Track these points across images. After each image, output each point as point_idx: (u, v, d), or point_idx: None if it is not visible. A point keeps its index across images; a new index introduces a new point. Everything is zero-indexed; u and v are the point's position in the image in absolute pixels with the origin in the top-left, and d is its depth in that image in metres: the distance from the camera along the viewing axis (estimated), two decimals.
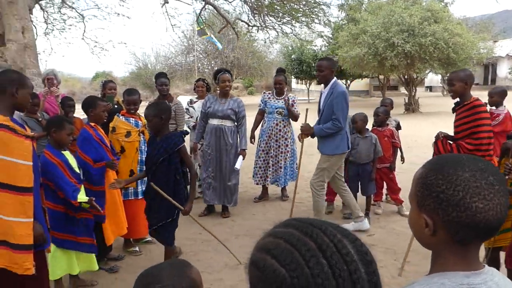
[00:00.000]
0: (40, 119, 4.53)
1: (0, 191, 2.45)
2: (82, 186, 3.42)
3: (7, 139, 2.46)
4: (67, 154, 3.39)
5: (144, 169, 3.72)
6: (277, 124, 5.87)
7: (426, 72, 22.49)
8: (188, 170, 3.65)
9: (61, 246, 3.37)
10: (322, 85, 4.64)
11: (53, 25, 12.47)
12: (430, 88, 36.83)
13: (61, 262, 3.42)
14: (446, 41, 17.23)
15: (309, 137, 4.69)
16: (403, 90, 28.72)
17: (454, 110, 3.87)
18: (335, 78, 4.53)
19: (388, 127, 5.38)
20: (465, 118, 3.70)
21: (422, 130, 12.41)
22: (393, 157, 5.40)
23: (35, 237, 2.59)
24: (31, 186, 2.55)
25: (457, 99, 3.83)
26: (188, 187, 3.67)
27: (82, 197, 3.26)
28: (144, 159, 3.97)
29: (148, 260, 4.18)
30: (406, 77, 21.50)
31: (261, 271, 0.74)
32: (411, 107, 20.32)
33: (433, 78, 32.27)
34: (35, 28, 9.32)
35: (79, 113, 5.01)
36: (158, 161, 3.44)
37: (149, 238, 4.63)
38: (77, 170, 3.42)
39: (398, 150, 5.50)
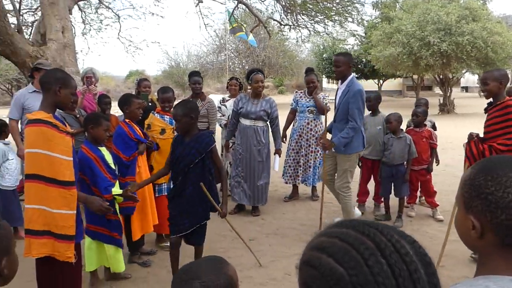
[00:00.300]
0: (78, 116, 4.68)
1: (46, 184, 2.58)
2: (117, 182, 3.52)
3: (50, 135, 2.59)
4: (104, 150, 3.49)
5: (171, 171, 3.53)
6: (308, 123, 5.84)
7: (463, 72, 21.89)
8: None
9: (95, 238, 3.47)
10: (339, 81, 4.57)
11: (90, 25, 12.83)
12: (466, 89, 35.79)
13: (96, 255, 3.53)
14: (484, 40, 16.70)
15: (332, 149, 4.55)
16: (437, 90, 28.04)
17: (486, 110, 3.77)
18: (352, 74, 4.45)
19: (426, 128, 5.23)
20: (496, 118, 3.62)
21: (457, 132, 12.07)
22: (431, 158, 5.26)
23: (97, 210, 2.78)
24: (73, 180, 2.68)
25: (490, 100, 3.72)
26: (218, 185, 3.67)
27: (116, 190, 3.37)
28: None
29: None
30: (441, 77, 20.97)
31: (317, 270, 0.73)
32: (446, 107, 19.83)
33: (469, 78, 31.33)
34: (74, 28, 9.61)
35: (114, 110, 5.15)
36: (192, 163, 3.32)
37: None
38: (112, 166, 3.51)
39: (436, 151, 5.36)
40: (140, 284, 3.71)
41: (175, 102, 4.69)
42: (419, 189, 5.44)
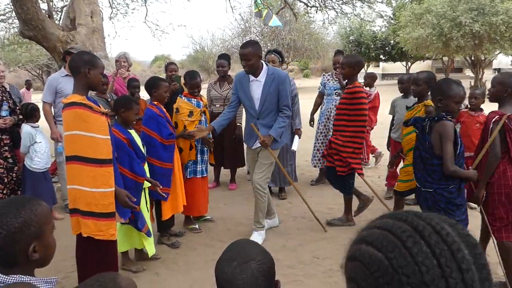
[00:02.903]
0: (109, 99, 4.74)
1: (85, 165, 2.67)
2: (146, 165, 3.58)
3: (85, 116, 2.67)
4: (133, 133, 3.54)
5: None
6: (336, 106, 5.75)
7: (496, 53, 21.12)
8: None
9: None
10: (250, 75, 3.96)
11: (117, 10, 12.95)
12: (498, 71, 34.57)
13: (126, 236, 3.60)
14: None
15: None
16: (468, 72, 27.21)
17: (339, 94, 4.32)
18: (264, 63, 3.96)
19: (482, 113, 4.66)
20: (346, 99, 4.18)
21: None
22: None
23: (122, 203, 2.82)
24: (110, 158, 2.76)
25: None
26: None
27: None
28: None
29: (208, 238, 4.30)
30: (472, 58, 20.32)
31: (359, 261, 0.71)
32: None
33: (502, 60, 30.26)
34: (102, 12, 9.71)
35: (142, 95, 5.20)
36: None
37: (208, 217, 4.76)
38: (141, 148, 3.56)
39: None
40: (170, 265, 3.78)
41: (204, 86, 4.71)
42: None
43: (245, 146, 6.26)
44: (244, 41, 3.98)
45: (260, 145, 3.99)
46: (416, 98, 4.22)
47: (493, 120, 3.03)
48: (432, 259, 0.64)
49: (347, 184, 4.41)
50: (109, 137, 2.78)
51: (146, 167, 3.61)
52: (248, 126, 4.16)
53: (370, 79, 6.65)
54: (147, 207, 3.59)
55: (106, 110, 2.91)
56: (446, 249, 0.65)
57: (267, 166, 4.08)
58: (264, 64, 3.94)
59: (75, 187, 2.70)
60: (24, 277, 1.28)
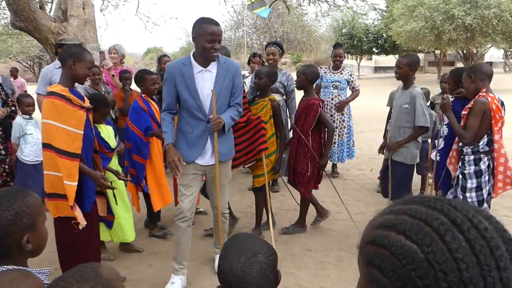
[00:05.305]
0: (103, 92, 4.71)
1: (55, 154, 2.67)
2: (116, 156, 3.63)
3: (61, 108, 2.67)
4: (100, 127, 3.50)
5: None
6: (332, 99, 5.77)
7: (488, 46, 21.25)
8: None
9: None
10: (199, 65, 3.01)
11: (108, 1, 12.83)
12: (490, 64, 34.84)
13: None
14: None
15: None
16: (460, 65, 27.30)
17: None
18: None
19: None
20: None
21: None
22: None
23: (99, 185, 2.88)
24: (78, 153, 2.74)
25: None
26: None
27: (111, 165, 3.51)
28: None
29: (201, 230, 4.32)
30: (464, 52, 20.42)
31: (386, 248, 0.65)
32: None
33: (494, 53, 30.45)
34: (93, 4, 9.61)
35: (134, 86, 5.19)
36: None
37: (201, 209, 4.78)
38: (108, 139, 3.53)
39: None
40: (163, 257, 3.79)
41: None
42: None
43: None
44: (210, 18, 2.94)
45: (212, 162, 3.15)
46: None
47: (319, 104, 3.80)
48: (472, 256, 0.60)
49: None
50: (82, 132, 2.75)
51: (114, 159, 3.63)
52: (181, 137, 3.12)
53: None
54: (115, 198, 3.51)
55: (89, 105, 2.88)
56: (485, 245, 0.61)
57: (228, 185, 3.40)
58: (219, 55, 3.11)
59: (52, 174, 2.72)
60: (17, 267, 1.29)
